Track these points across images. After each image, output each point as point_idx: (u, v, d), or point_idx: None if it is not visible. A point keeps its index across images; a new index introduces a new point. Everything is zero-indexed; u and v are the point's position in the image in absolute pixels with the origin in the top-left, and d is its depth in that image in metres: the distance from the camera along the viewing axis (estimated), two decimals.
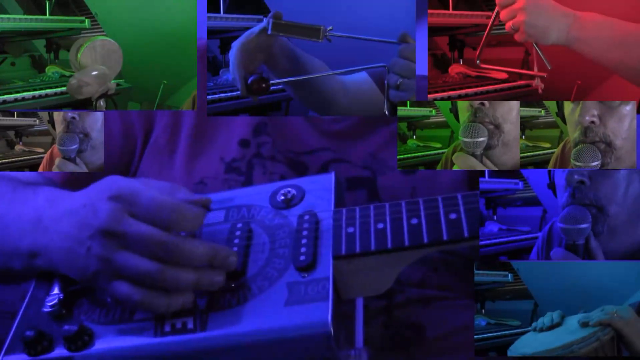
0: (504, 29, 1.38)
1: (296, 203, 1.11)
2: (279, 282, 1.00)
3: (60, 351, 1.00)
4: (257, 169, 1.32)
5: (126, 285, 0.99)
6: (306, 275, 1.00)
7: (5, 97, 1.45)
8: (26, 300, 1.08)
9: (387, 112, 1.28)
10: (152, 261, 0.98)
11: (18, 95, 1.47)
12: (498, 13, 1.37)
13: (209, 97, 1.48)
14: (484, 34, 1.44)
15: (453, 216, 1.02)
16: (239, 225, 1.10)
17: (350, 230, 1.04)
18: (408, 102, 1.32)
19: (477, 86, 1.49)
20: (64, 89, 1.48)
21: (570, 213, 1.25)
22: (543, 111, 1.35)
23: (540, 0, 1.34)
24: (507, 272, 1.33)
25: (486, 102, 1.33)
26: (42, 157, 1.42)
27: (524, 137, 1.34)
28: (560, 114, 1.33)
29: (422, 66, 1.37)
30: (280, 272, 1.02)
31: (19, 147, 1.43)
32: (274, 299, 0.98)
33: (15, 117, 1.43)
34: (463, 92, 1.47)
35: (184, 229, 1.01)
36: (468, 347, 1.26)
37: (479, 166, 1.33)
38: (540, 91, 1.47)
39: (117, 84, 1.50)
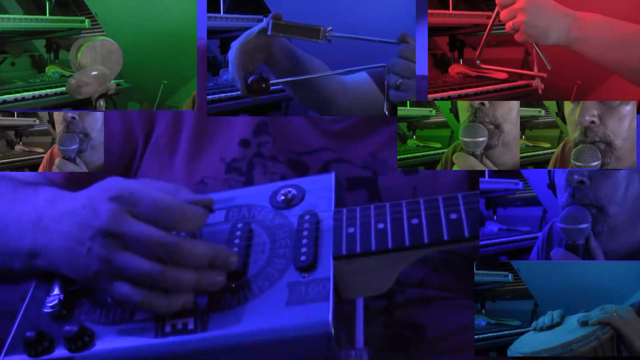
0: (504, 29, 1.38)
1: (297, 203, 1.11)
2: (280, 282, 1.00)
3: (60, 352, 1.00)
4: (258, 169, 1.32)
5: (126, 285, 0.99)
6: (307, 275, 1.00)
7: (5, 97, 1.45)
8: (26, 300, 1.08)
9: (387, 112, 1.28)
10: (152, 262, 0.98)
11: (18, 95, 1.47)
12: (498, 13, 1.37)
13: (209, 97, 1.48)
14: (484, 34, 1.44)
15: (454, 216, 1.02)
16: (240, 225, 1.10)
17: (351, 230, 1.04)
18: (408, 102, 1.32)
19: (477, 86, 1.49)
20: (64, 89, 1.48)
21: (570, 213, 1.25)
22: (543, 111, 1.35)
23: (540, 1, 1.34)
24: (507, 272, 1.33)
25: (486, 102, 1.33)
26: (42, 157, 1.42)
27: (524, 137, 1.34)
28: (560, 114, 1.33)
29: (422, 66, 1.37)
30: (281, 272, 1.02)
31: (19, 147, 1.43)
32: (274, 299, 0.99)
33: (15, 117, 1.43)
34: (463, 92, 1.47)
35: (186, 230, 1.01)
36: (468, 347, 1.26)
37: (479, 166, 1.33)
38: (540, 91, 1.47)
39: (117, 84, 1.50)
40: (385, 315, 1.24)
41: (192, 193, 1.06)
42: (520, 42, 1.38)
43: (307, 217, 1.08)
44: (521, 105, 1.33)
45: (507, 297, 1.35)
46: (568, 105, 1.31)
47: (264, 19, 1.27)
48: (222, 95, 1.52)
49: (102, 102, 1.48)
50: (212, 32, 1.57)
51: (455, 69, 1.55)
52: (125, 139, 1.40)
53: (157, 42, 1.52)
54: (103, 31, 1.50)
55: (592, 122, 1.29)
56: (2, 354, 1.02)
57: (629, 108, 1.29)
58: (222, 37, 1.61)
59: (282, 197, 1.12)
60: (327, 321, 0.94)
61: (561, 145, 1.33)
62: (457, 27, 1.55)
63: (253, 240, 1.07)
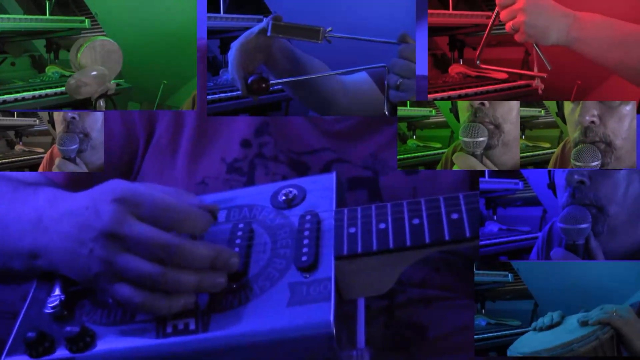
0: (504, 29, 1.38)
1: (297, 203, 1.11)
2: (281, 283, 1.00)
3: (62, 352, 1.00)
4: (259, 169, 1.32)
5: (127, 287, 0.99)
6: (308, 275, 1.00)
7: (5, 97, 1.45)
8: (27, 301, 1.08)
9: (387, 113, 1.28)
10: (153, 264, 0.98)
11: (18, 95, 1.47)
12: (498, 13, 1.37)
13: (209, 97, 1.48)
14: (484, 35, 1.44)
15: (455, 216, 1.02)
16: (241, 225, 1.10)
17: (352, 230, 1.04)
18: (408, 102, 1.33)
19: (477, 86, 1.49)
20: (64, 89, 1.48)
21: (570, 213, 1.25)
22: (543, 111, 1.35)
23: (540, 1, 1.34)
24: (507, 272, 1.33)
25: (486, 102, 1.33)
26: (42, 157, 1.42)
27: (524, 137, 1.34)
28: (560, 114, 1.33)
29: (422, 66, 1.37)
30: (282, 273, 1.02)
31: (19, 147, 1.43)
32: (275, 300, 0.99)
33: (15, 117, 1.43)
34: (463, 92, 1.47)
35: (188, 232, 1.01)
36: (468, 347, 1.27)
37: (479, 166, 1.33)
38: (540, 92, 1.47)
39: (117, 84, 1.50)
40: (386, 315, 1.24)
41: (198, 198, 1.06)
42: (520, 42, 1.38)
43: (308, 217, 1.08)
44: (521, 105, 1.33)
45: (507, 297, 1.35)
46: (568, 105, 1.31)
47: (264, 19, 1.27)
48: (222, 95, 1.52)
49: (102, 102, 1.48)
50: (212, 32, 1.57)
51: (455, 69, 1.55)
52: (126, 139, 1.40)
53: (157, 42, 1.52)
54: (103, 31, 1.50)
55: (592, 122, 1.29)
56: (4, 355, 1.02)
57: (629, 108, 1.29)
58: (222, 37, 1.61)
59: (283, 197, 1.12)
60: (328, 321, 0.94)
61: (561, 145, 1.33)
62: (457, 27, 1.55)
63: (254, 241, 1.07)
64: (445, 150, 1.36)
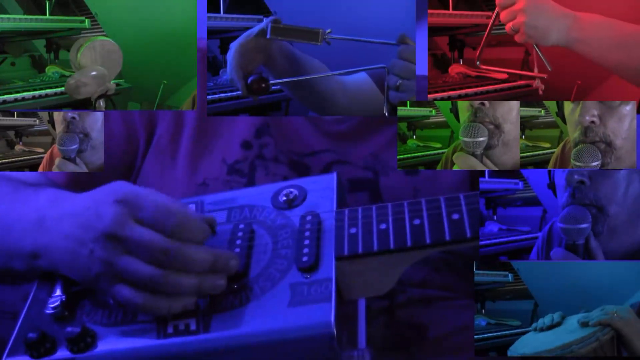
0: (504, 29, 1.38)
1: (298, 204, 1.11)
2: (282, 283, 1.00)
3: (63, 353, 1.00)
4: (260, 170, 1.32)
5: (128, 288, 0.99)
6: (309, 276, 1.00)
7: (5, 97, 1.45)
8: (28, 301, 1.08)
9: (386, 113, 1.28)
10: (153, 266, 0.98)
11: (18, 95, 1.47)
12: (498, 14, 1.38)
13: (209, 97, 1.47)
14: (484, 35, 1.44)
15: (455, 216, 1.02)
16: (241, 226, 1.10)
17: (353, 230, 1.05)
18: (408, 102, 1.33)
19: (477, 86, 1.49)
20: (64, 89, 1.48)
21: (570, 213, 1.25)
22: (543, 111, 1.35)
23: (540, 1, 1.34)
24: (507, 272, 1.33)
25: (486, 102, 1.33)
26: (42, 157, 1.42)
27: (524, 137, 1.34)
28: (560, 114, 1.33)
29: (422, 66, 1.37)
30: (283, 273, 1.02)
31: (19, 147, 1.43)
32: (276, 300, 0.99)
33: (15, 117, 1.43)
34: (463, 92, 1.47)
35: (187, 239, 1.00)
36: (468, 347, 1.27)
37: (479, 166, 1.33)
38: (540, 92, 1.47)
39: (117, 84, 1.50)
40: (387, 315, 1.24)
41: (197, 213, 1.06)
42: (521, 43, 1.38)
43: (308, 217, 1.08)
44: (521, 105, 1.33)
45: (507, 297, 1.35)
46: (568, 105, 1.31)
47: (264, 19, 1.27)
48: (222, 95, 1.52)
49: (101, 102, 1.48)
50: (212, 32, 1.57)
51: (455, 69, 1.55)
52: (126, 140, 1.40)
53: (157, 42, 1.52)
54: (103, 31, 1.50)
55: (592, 122, 1.29)
56: (5, 355, 1.02)
57: (629, 108, 1.29)
58: (222, 37, 1.60)
59: (284, 198, 1.12)
60: (329, 322, 0.94)
61: (561, 145, 1.33)
62: (457, 27, 1.55)
63: (255, 241, 1.07)
64: (445, 150, 1.36)
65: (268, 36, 1.25)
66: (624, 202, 1.26)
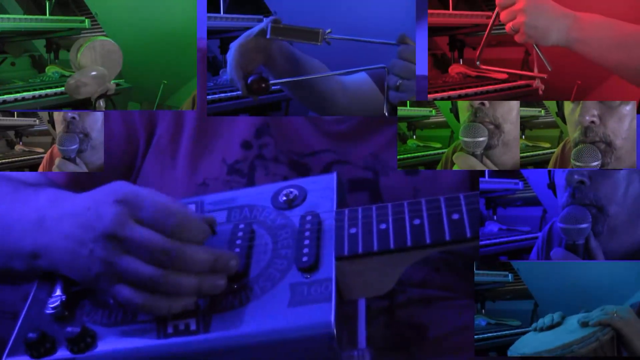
0: (504, 29, 1.38)
1: (298, 204, 1.11)
2: (282, 283, 1.00)
3: (63, 353, 1.00)
4: (260, 170, 1.32)
5: (128, 288, 0.99)
6: (309, 276, 1.00)
7: (5, 97, 1.45)
8: (28, 301, 1.08)
9: (386, 113, 1.28)
10: (154, 267, 0.98)
11: (18, 95, 1.47)
12: (498, 14, 1.38)
13: (209, 97, 1.47)
14: (484, 35, 1.44)
15: (455, 216, 1.02)
16: (241, 225, 1.10)
17: (353, 230, 1.05)
18: (408, 102, 1.33)
19: (477, 86, 1.49)
20: (64, 89, 1.48)
21: (570, 213, 1.25)
22: (543, 111, 1.35)
23: (540, 1, 1.34)
24: (507, 272, 1.33)
25: (486, 102, 1.33)
26: (42, 157, 1.42)
27: (524, 137, 1.34)
28: (560, 114, 1.33)
29: (422, 66, 1.37)
30: (283, 273, 1.02)
31: (19, 147, 1.43)
32: (276, 300, 0.99)
33: (15, 117, 1.43)
34: (463, 92, 1.47)
35: (187, 239, 1.00)
36: (468, 347, 1.27)
37: (479, 166, 1.33)
38: (540, 92, 1.47)
39: (117, 84, 1.50)
40: (387, 315, 1.24)
41: (197, 213, 1.06)
42: (521, 43, 1.38)
43: (308, 217, 1.08)
44: (521, 105, 1.33)
45: (507, 297, 1.35)
46: (568, 105, 1.31)
47: (264, 19, 1.27)
48: (222, 95, 1.52)
49: (101, 102, 1.48)
50: (212, 32, 1.57)
51: (455, 69, 1.55)
52: (126, 140, 1.40)
53: (157, 42, 1.52)
54: (103, 31, 1.50)
55: (592, 122, 1.29)
56: (5, 355, 1.02)
57: (629, 108, 1.29)
58: (222, 37, 1.60)
59: (284, 198, 1.12)
60: (329, 322, 0.94)
61: (561, 145, 1.33)
62: (457, 27, 1.55)
63: (255, 241, 1.07)
64: (445, 150, 1.36)
65: (268, 36, 1.26)
66: (624, 202, 1.26)
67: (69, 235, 1.03)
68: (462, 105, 1.34)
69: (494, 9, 1.39)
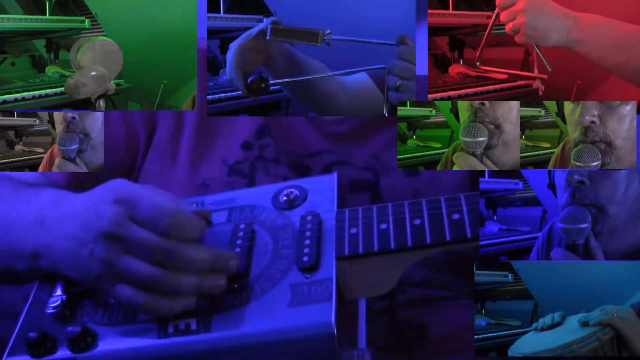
0: (504, 29, 1.38)
1: (299, 204, 1.12)
2: (282, 283, 1.01)
3: (63, 352, 1.00)
4: (260, 171, 1.32)
5: (129, 288, 0.99)
6: (309, 276, 1.00)
7: (5, 97, 1.45)
8: (29, 301, 1.08)
9: (386, 114, 1.28)
10: (154, 266, 0.98)
11: (18, 95, 1.47)
12: (498, 14, 1.37)
13: (209, 97, 1.47)
14: (484, 36, 1.44)
15: (456, 216, 1.03)
16: (242, 226, 1.10)
17: (353, 230, 1.05)
18: (408, 102, 1.33)
19: (477, 86, 1.49)
20: (63, 89, 1.48)
21: (570, 213, 1.25)
22: (543, 111, 1.35)
23: (540, 2, 1.34)
24: (507, 272, 1.33)
25: (486, 102, 1.33)
26: (42, 157, 1.42)
27: (524, 137, 1.34)
28: (560, 114, 1.33)
29: (422, 66, 1.37)
30: (283, 273, 1.02)
31: (19, 147, 1.43)
32: (277, 300, 0.99)
33: (15, 117, 1.43)
34: (463, 92, 1.47)
35: (184, 237, 1.00)
36: (468, 347, 1.27)
37: (479, 166, 1.33)
38: (540, 93, 1.47)
39: (117, 84, 1.50)
40: (387, 315, 1.24)
41: (190, 204, 1.05)
42: (521, 43, 1.38)
43: (309, 217, 1.08)
44: (521, 105, 1.33)
45: (507, 297, 1.35)
46: (568, 105, 1.31)
47: (264, 19, 1.27)
48: (222, 95, 1.52)
49: (101, 102, 1.48)
50: (212, 32, 1.57)
51: (455, 69, 1.55)
52: (126, 140, 1.39)
53: (157, 42, 1.51)
54: (103, 31, 1.50)
55: (592, 122, 1.29)
56: (5, 355, 1.02)
57: (629, 108, 1.29)
58: (222, 37, 1.60)
59: (285, 198, 1.12)
60: (329, 322, 0.94)
61: (561, 145, 1.33)
62: (457, 27, 1.55)
63: (255, 241, 1.08)
64: (445, 150, 1.36)
65: (268, 37, 1.26)
66: (624, 202, 1.26)
67: (69, 235, 1.03)
68: (462, 105, 1.34)
69: (494, 9, 1.39)
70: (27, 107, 1.46)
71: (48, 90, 1.49)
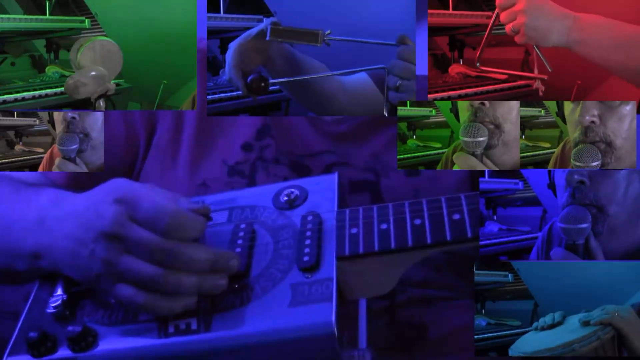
0: (504, 29, 1.38)
1: (299, 204, 1.12)
2: (283, 283, 1.01)
3: (64, 352, 1.00)
4: (261, 172, 1.32)
5: (129, 288, 0.99)
6: (310, 276, 1.00)
7: (5, 97, 1.45)
8: (30, 301, 1.08)
9: (386, 114, 1.28)
10: (154, 266, 0.98)
11: (18, 95, 1.47)
12: (498, 15, 1.37)
13: (209, 97, 1.47)
14: (483, 36, 1.44)
15: (456, 217, 1.03)
16: (243, 225, 1.10)
17: (354, 230, 1.05)
18: (408, 102, 1.33)
19: (477, 86, 1.49)
20: (63, 89, 1.48)
21: (570, 213, 1.25)
22: (543, 111, 1.35)
23: (540, 2, 1.34)
24: (507, 272, 1.33)
25: (486, 102, 1.33)
26: (42, 157, 1.42)
27: (524, 137, 1.34)
28: (560, 113, 1.33)
29: (422, 66, 1.37)
30: (284, 273, 1.02)
31: (19, 147, 1.43)
32: (277, 300, 0.99)
33: (15, 117, 1.43)
34: (463, 92, 1.47)
35: (185, 237, 1.00)
36: (468, 347, 1.27)
37: (479, 166, 1.33)
38: (540, 93, 1.47)
39: (117, 84, 1.50)
40: (388, 315, 1.24)
41: (190, 201, 1.05)
42: (521, 44, 1.38)
43: (309, 217, 1.08)
44: (521, 105, 1.33)
45: (507, 297, 1.35)
46: (568, 105, 1.31)
47: (264, 19, 1.27)
48: (222, 95, 1.52)
49: (101, 102, 1.48)
50: (212, 32, 1.57)
51: (455, 69, 1.55)
52: (127, 140, 1.39)
53: (157, 42, 1.51)
54: (103, 31, 1.50)
55: (592, 122, 1.29)
56: (6, 355, 1.02)
57: (629, 108, 1.29)
58: (222, 37, 1.60)
59: (285, 198, 1.12)
60: (330, 322, 0.94)
61: (561, 145, 1.33)
62: (457, 27, 1.55)
63: (256, 241, 1.07)
64: (445, 150, 1.36)
65: (268, 38, 1.25)
66: (624, 202, 1.26)
67: (69, 235, 1.03)
68: (462, 105, 1.34)
69: (494, 9, 1.39)
70: (27, 107, 1.46)
71: (48, 90, 1.49)
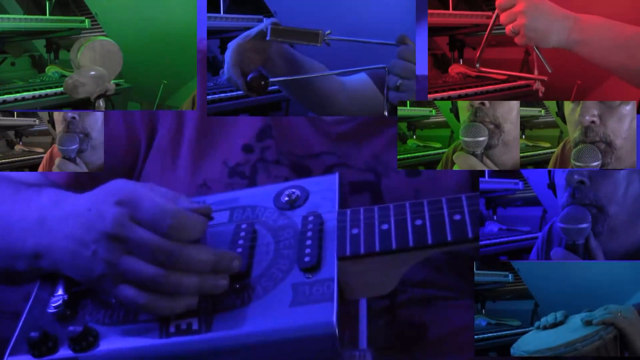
0: (503, 29, 1.38)
1: (300, 204, 1.12)
2: (284, 283, 1.00)
3: (65, 352, 1.00)
4: (261, 173, 1.32)
5: (131, 288, 0.99)
6: (311, 276, 1.00)
7: (5, 97, 1.46)
8: (30, 301, 1.08)
9: (386, 113, 1.28)
10: (156, 267, 0.98)
11: (18, 95, 1.47)
12: (498, 16, 1.37)
13: (209, 97, 1.47)
14: (483, 37, 1.44)
15: (457, 217, 1.03)
16: (244, 226, 1.10)
17: (355, 231, 1.05)
18: (408, 102, 1.33)
19: (477, 86, 1.49)
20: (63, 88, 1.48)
21: (570, 213, 1.25)
22: (543, 111, 1.35)
23: (540, 3, 1.34)
24: (507, 272, 1.33)
25: (486, 102, 1.33)
26: (42, 157, 1.42)
27: (524, 137, 1.35)
28: (560, 113, 1.33)
29: (422, 66, 1.37)
30: (285, 273, 1.02)
31: (19, 147, 1.43)
32: (278, 300, 0.99)
33: (15, 117, 1.43)
34: (463, 92, 1.47)
35: (186, 237, 1.00)
36: (468, 347, 1.27)
37: (479, 166, 1.33)
38: (540, 94, 1.47)
39: (117, 84, 1.50)
40: (388, 315, 1.24)
41: (191, 201, 1.05)
42: (521, 45, 1.38)
43: (310, 218, 1.08)
44: (521, 105, 1.33)
45: (507, 297, 1.35)
46: (568, 105, 1.32)
47: (264, 19, 1.27)
48: (222, 95, 1.52)
49: (101, 102, 1.48)
50: (212, 32, 1.57)
51: (455, 69, 1.56)
52: (127, 140, 1.39)
53: (157, 42, 1.52)
54: (103, 31, 1.50)
55: (592, 122, 1.29)
56: (6, 354, 1.02)
57: (629, 108, 1.29)
58: (222, 37, 1.60)
59: (286, 198, 1.12)
60: (331, 322, 0.94)
61: (561, 145, 1.33)
62: (457, 27, 1.55)
63: (257, 241, 1.07)
64: (446, 150, 1.36)
65: (268, 38, 1.25)
66: (624, 202, 1.26)
67: (70, 235, 1.03)
68: (462, 105, 1.34)
69: (494, 9, 1.39)
70: (27, 107, 1.46)
71: (48, 90, 1.49)
